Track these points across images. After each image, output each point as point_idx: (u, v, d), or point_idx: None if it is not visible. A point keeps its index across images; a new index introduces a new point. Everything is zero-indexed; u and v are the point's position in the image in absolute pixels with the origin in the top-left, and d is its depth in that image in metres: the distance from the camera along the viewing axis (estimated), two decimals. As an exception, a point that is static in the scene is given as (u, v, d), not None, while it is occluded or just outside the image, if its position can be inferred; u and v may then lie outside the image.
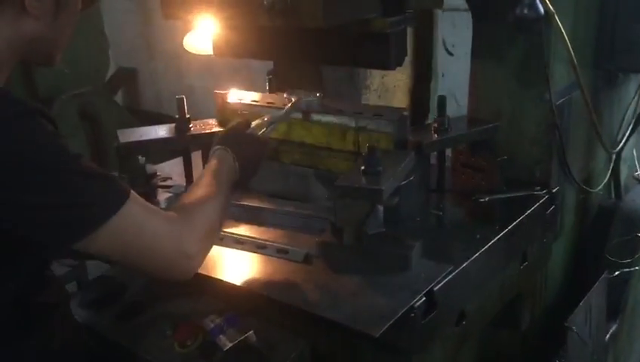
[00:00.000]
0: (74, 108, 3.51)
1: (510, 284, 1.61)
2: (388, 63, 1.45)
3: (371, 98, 2.11)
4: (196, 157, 1.83)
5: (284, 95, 1.67)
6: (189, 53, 2.09)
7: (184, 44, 2.06)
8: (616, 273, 1.89)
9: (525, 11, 1.48)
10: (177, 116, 1.76)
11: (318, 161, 1.66)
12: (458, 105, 2.87)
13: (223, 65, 3.83)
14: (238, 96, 1.84)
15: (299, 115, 1.70)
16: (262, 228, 1.57)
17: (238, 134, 1.42)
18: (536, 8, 1.47)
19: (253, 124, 1.49)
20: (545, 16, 1.52)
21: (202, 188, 1.25)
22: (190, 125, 1.77)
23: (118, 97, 4.79)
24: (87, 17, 3.54)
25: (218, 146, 1.35)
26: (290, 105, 1.61)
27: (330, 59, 1.53)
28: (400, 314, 1.22)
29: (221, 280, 1.40)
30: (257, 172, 1.39)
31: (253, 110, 1.77)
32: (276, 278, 1.38)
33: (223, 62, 3.18)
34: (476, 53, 1.77)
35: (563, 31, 1.60)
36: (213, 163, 1.32)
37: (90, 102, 3.58)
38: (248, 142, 1.39)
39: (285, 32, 1.47)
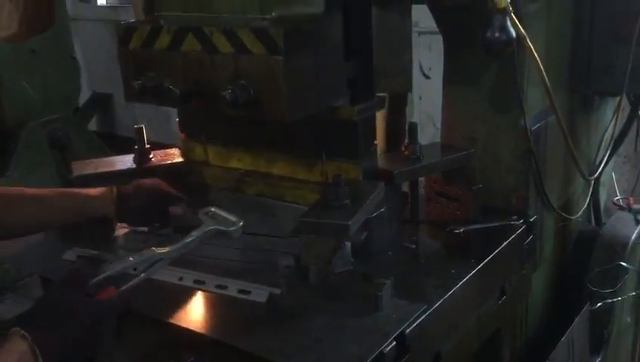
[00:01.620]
0: (43, 136, 3.41)
1: (488, 320, 1.55)
2: (355, 154, 1.44)
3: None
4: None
5: (199, 213, 1.38)
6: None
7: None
8: (599, 304, 1.83)
9: (496, 34, 1.44)
10: (136, 146, 1.70)
11: (283, 193, 1.59)
12: (436, 128, 2.85)
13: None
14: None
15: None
16: (223, 266, 1.49)
17: (55, 305, 1.02)
18: (507, 31, 1.43)
19: (113, 265, 1.17)
20: (516, 39, 1.48)
21: None
22: (150, 155, 1.71)
23: (93, 123, 4.71)
24: (57, 42, 3.48)
25: (15, 329, 0.97)
26: (196, 231, 1.32)
27: (291, 148, 1.52)
28: (368, 361, 1.14)
29: (178, 325, 1.31)
30: (91, 354, 1.06)
31: None
32: (237, 322, 1.30)
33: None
34: (449, 78, 1.73)
35: (535, 54, 1.56)
36: None
37: (60, 130, 3.48)
38: (71, 319, 1.01)
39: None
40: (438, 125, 1.87)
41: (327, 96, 1.36)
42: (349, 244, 1.34)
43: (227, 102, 1.26)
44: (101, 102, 4.71)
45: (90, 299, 1.09)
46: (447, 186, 1.64)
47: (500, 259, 1.53)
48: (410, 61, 1.59)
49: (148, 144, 1.71)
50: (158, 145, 1.78)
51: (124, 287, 1.16)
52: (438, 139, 1.83)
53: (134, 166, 1.68)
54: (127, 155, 1.73)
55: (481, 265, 1.46)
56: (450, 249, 1.55)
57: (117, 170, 1.66)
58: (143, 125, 1.71)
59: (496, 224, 1.60)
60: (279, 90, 1.24)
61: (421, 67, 3.56)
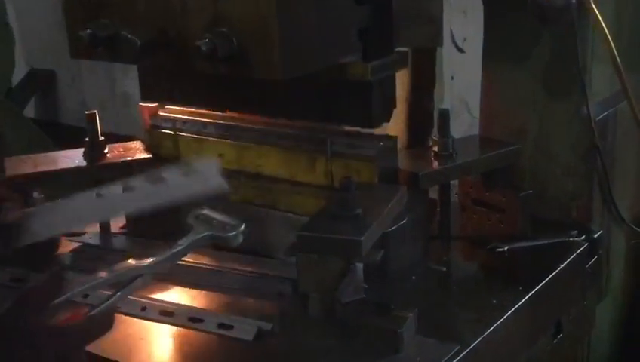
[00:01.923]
0: (-35, 123, 3.43)
1: (540, 365, 1.56)
2: (369, 121, 1.44)
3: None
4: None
5: (188, 217, 1.37)
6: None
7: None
8: (683, 345, 1.84)
9: None
10: (87, 139, 1.71)
11: (277, 199, 1.60)
12: (472, 116, 2.86)
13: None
14: (172, 110, 1.78)
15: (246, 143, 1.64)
16: (199, 293, 1.51)
17: (10, 331, 1.05)
18: None
19: (91, 278, 1.18)
20: (577, 2, 1.49)
21: None
22: (105, 150, 1.72)
23: (30, 107, 4.72)
24: (-16, 5, 3.51)
25: None
26: (184, 240, 1.30)
27: (292, 113, 1.53)
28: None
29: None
30: None
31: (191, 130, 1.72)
32: (216, 366, 1.31)
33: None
34: (490, 53, 1.75)
35: (602, 23, 1.57)
36: None
37: (-12, 116, 3.50)
38: (31, 352, 1.03)
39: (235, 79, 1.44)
40: (475, 113, 1.88)
41: (333, 49, 1.34)
42: (360, 266, 1.33)
43: (203, 56, 1.24)
44: (41, 81, 4.71)
45: (53, 327, 1.08)
46: (488, 192, 1.65)
47: (556, 287, 1.54)
48: (441, 6, 1.59)
49: (102, 135, 1.72)
50: (114, 137, 1.79)
51: (94, 311, 1.15)
52: (475, 131, 1.84)
53: (84, 163, 1.69)
54: (75, 150, 1.74)
55: (530, 293, 1.46)
56: (490, 273, 1.56)
57: (62, 169, 1.67)
58: (95, 111, 1.72)
59: (551, 241, 1.61)
60: (270, 39, 1.23)
61: (453, 37, 3.56)
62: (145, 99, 1.70)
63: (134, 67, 3.80)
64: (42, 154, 1.76)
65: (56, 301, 1.10)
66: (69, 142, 1.85)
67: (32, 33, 4.56)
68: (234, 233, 1.33)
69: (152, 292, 1.48)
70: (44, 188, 1.67)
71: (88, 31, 1.36)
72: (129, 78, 4.07)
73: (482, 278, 1.56)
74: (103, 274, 1.19)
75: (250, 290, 1.49)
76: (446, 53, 2.54)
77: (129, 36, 1.33)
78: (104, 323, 1.15)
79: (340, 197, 1.34)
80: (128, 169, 1.68)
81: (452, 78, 3.59)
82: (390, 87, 1.48)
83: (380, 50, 1.41)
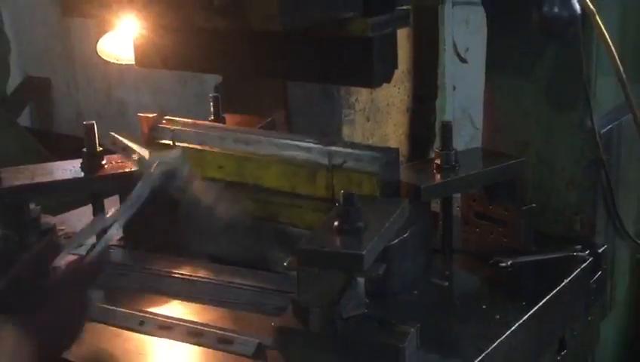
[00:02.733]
0: (-40, 131, 3.44)
1: (544, 382, 1.56)
2: (370, 79, 1.41)
3: (358, 119, 2.10)
4: (113, 204, 1.74)
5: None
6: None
7: (98, 49, 2.02)
8: (689, 362, 1.84)
9: (555, 10, 1.46)
10: (85, 149, 1.71)
11: (277, 212, 1.62)
12: (475, 128, 2.87)
13: (165, 76, 3.83)
14: (171, 121, 1.79)
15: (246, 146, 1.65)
16: (198, 307, 1.51)
17: (27, 284, 1.23)
18: (570, 6, 1.45)
19: (77, 234, 1.40)
20: (582, 15, 1.50)
21: None
22: (103, 161, 1.73)
23: (25, 116, 4.73)
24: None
25: None
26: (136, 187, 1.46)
27: (292, 74, 1.51)
28: None
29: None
30: (79, 330, 1.26)
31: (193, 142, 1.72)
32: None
33: (165, 71, 3.16)
34: (493, 64, 1.76)
35: (607, 35, 1.58)
36: None
37: (-18, 125, 3.51)
38: (50, 296, 1.22)
39: (233, 36, 1.44)
40: (478, 125, 1.89)
41: (332, 2, 1.31)
42: (362, 281, 1.34)
43: (197, 5, 1.24)
44: (36, 89, 4.73)
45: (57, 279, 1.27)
46: (491, 206, 1.65)
47: (560, 302, 1.54)
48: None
49: (100, 146, 1.73)
50: (115, 149, 1.79)
51: (89, 258, 1.34)
52: (477, 143, 1.85)
53: (82, 175, 1.70)
54: (72, 161, 1.74)
55: (534, 309, 1.46)
56: (493, 287, 1.56)
57: (59, 180, 1.67)
58: (93, 122, 1.72)
59: (554, 256, 1.61)
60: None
61: (455, 47, 3.57)
62: (139, 65, 1.65)
63: (130, 73, 3.80)
64: (39, 165, 1.76)
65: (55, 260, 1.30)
66: (64, 151, 1.86)
67: (27, 40, 4.58)
68: (176, 155, 1.46)
69: (151, 305, 1.49)
70: (40, 200, 1.69)
71: None
72: (125, 85, 4.09)
73: (485, 293, 1.56)
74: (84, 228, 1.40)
75: (250, 305, 1.49)
76: (448, 63, 2.56)
77: None
78: (96, 268, 1.34)
79: (342, 211, 1.34)
80: (126, 181, 1.69)
81: (454, 88, 3.60)
82: (392, 46, 1.44)
83: (381, 5, 1.37)
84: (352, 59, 1.41)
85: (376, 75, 1.42)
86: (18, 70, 4.68)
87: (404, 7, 1.43)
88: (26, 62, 4.78)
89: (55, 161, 1.80)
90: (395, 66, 1.48)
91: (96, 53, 2.10)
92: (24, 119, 4.73)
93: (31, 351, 1.12)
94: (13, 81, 4.49)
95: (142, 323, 1.44)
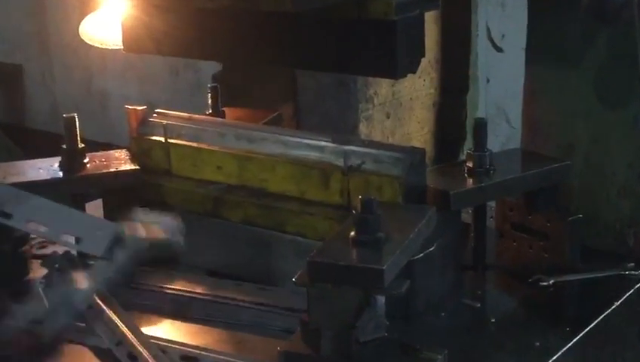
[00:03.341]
0: None
1: (590, 419, 1.56)
2: (393, 69, 1.43)
3: (376, 116, 2.12)
4: (96, 208, 1.80)
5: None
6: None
7: (80, 32, 2.04)
8: None
9: None
10: (65, 146, 1.73)
11: (284, 220, 1.62)
12: (511, 127, 2.88)
13: (154, 63, 3.85)
14: (163, 115, 1.80)
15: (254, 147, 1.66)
16: (194, 327, 1.52)
17: None
18: None
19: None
20: None
21: None
22: (85, 160, 1.75)
23: (-8, 108, 4.77)
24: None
25: None
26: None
27: (304, 62, 1.53)
28: None
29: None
30: None
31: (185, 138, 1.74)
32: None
33: (154, 58, 3.18)
34: (534, 53, 1.77)
35: (667, 21, 1.59)
36: None
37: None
38: None
39: (237, 18, 1.45)
40: (514, 123, 1.90)
41: None
42: (382, 299, 1.35)
43: None
44: (6, 77, 4.76)
45: None
46: (530, 216, 1.66)
47: (609, 327, 1.54)
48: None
49: (82, 142, 1.75)
50: (91, 144, 1.81)
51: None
52: (513, 144, 1.86)
53: (61, 174, 1.72)
54: (49, 159, 1.76)
55: (580, 335, 1.47)
56: (533, 310, 1.57)
57: (36, 180, 1.69)
58: (75, 114, 1.74)
59: (603, 274, 1.62)
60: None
61: (489, 33, 3.58)
62: (128, 49, 1.68)
63: (114, 61, 3.82)
64: (11, 163, 1.79)
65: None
66: (38, 149, 1.87)
67: (-3, 23, 4.62)
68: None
69: (139, 325, 1.49)
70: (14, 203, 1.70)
71: None
72: (108, 74, 4.11)
73: (523, 316, 1.57)
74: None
75: (253, 325, 1.50)
76: (481, 52, 2.56)
77: None
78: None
79: (359, 219, 1.35)
80: (111, 182, 1.71)
81: (487, 80, 3.60)
82: (418, 30, 1.46)
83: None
84: (372, 46, 1.43)
85: (400, 64, 1.44)
86: (-15, 55, 4.72)
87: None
88: (-6, 46, 4.82)
89: (28, 159, 1.82)
90: (422, 54, 1.50)
91: (76, 36, 2.12)
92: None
93: None
94: (-21, 69, 4.54)
95: (119, 343, 1.42)
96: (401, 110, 2.20)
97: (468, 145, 2.14)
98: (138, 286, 1.64)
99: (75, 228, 1.54)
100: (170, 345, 1.45)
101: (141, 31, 1.61)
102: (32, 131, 4.52)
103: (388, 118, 2.17)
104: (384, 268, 1.29)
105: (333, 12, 1.37)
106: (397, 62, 1.43)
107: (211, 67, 2.47)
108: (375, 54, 1.43)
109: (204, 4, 1.32)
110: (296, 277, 1.38)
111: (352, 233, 1.35)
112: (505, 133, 3.14)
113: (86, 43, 2.20)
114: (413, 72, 1.48)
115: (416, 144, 2.08)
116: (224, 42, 1.57)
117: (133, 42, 1.64)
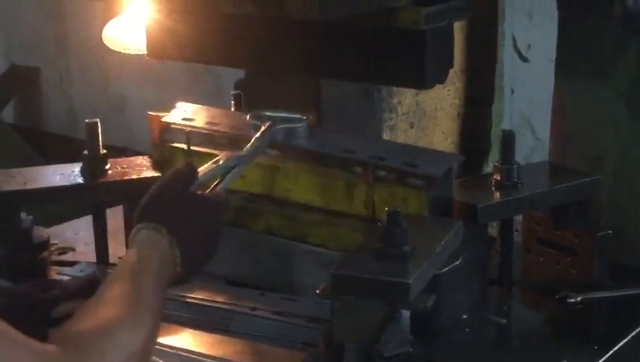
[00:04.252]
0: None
1: None
2: (421, 79, 1.44)
3: (400, 126, 2.12)
4: (115, 215, 1.80)
5: (248, 117, 1.64)
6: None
7: (103, 37, 2.06)
8: None
9: None
10: (86, 151, 1.73)
11: (307, 231, 1.63)
12: (536, 138, 2.87)
13: (173, 68, 3.87)
14: (184, 115, 1.81)
15: (275, 154, 1.66)
16: (215, 338, 1.52)
17: (175, 197, 1.32)
18: None
19: (201, 172, 1.44)
20: None
21: (111, 302, 1.13)
22: (107, 166, 1.75)
23: (9, 111, 4.80)
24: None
25: (142, 224, 1.24)
26: (259, 134, 1.56)
27: (330, 71, 1.53)
28: None
29: None
30: (212, 257, 1.31)
31: (204, 142, 1.74)
32: None
33: (173, 63, 3.19)
34: (563, 63, 1.77)
35: (702, 34, 1.59)
36: (132, 255, 1.22)
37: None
38: (194, 210, 1.30)
39: (261, 25, 1.46)
40: (540, 134, 1.90)
41: None
42: (407, 314, 1.36)
43: None
44: (23, 80, 4.79)
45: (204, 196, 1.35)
46: (558, 231, 1.65)
47: (638, 345, 1.52)
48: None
49: (104, 148, 1.75)
50: (108, 149, 1.82)
51: (220, 185, 1.42)
52: (538, 157, 1.86)
53: (82, 180, 1.72)
54: (70, 164, 1.77)
55: (609, 354, 1.46)
56: (560, 327, 1.56)
57: (57, 187, 1.69)
58: (97, 120, 1.75)
59: (633, 292, 1.60)
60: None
61: (515, 43, 3.58)
62: (151, 55, 1.69)
63: (132, 64, 3.85)
64: (31, 169, 1.80)
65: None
66: (55, 153, 1.88)
67: (14, 24, 4.65)
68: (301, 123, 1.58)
69: (165, 334, 1.49)
70: (33, 209, 1.71)
71: None
72: (126, 78, 4.13)
73: (549, 334, 1.56)
74: (214, 165, 1.44)
75: (274, 337, 1.50)
76: (506, 62, 2.56)
77: None
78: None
79: (385, 232, 1.35)
80: (133, 189, 1.71)
81: (512, 91, 3.60)
82: (448, 40, 1.47)
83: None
84: (400, 55, 1.44)
85: (429, 74, 1.44)
86: (2, 58, 4.76)
87: (463, -4, 1.47)
88: (11, 49, 4.85)
89: (45, 163, 1.83)
90: (451, 65, 1.51)
91: (95, 40, 2.14)
92: (8, 114, 4.80)
93: None
94: (-4, 71, 4.58)
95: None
96: (425, 120, 2.19)
97: (493, 156, 2.14)
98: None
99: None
100: (189, 355, 1.46)
101: (165, 37, 1.62)
102: (48, 134, 4.55)
103: (412, 127, 2.16)
104: (410, 281, 1.29)
105: (360, 21, 1.37)
106: (425, 72, 1.43)
107: (231, 73, 2.48)
108: (403, 64, 1.44)
109: (230, 10, 1.33)
110: (319, 289, 1.38)
111: (378, 245, 1.36)
112: (529, 145, 3.14)
113: (104, 46, 2.23)
114: (442, 82, 1.49)
115: (441, 155, 2.07)
116: (249, 49, 1.58)
117: (157, 48, 1.65)
